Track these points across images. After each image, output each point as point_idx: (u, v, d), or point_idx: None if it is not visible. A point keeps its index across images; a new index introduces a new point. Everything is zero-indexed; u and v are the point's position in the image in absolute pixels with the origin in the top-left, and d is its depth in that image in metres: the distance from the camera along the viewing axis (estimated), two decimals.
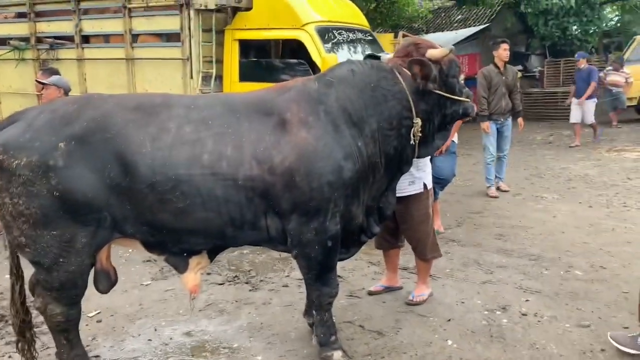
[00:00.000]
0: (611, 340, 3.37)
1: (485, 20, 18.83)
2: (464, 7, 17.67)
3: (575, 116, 10.93)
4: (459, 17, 20.34)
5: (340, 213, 3.06)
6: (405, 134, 3.22)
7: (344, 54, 6.28)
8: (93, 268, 3.07)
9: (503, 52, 7.22)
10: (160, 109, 2.92)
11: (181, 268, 3.13)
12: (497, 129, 7.46)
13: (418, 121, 3.20)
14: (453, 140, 5.62)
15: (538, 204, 6.95)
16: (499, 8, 18.48)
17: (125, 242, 3.09)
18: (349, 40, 6.60)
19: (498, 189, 7.55)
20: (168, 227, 2.90)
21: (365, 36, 7.04)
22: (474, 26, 18.68)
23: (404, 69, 3.27)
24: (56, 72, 5.96)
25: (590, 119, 10.84)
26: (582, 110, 10.77)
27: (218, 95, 5.33)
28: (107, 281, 3.17)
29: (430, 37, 17.30)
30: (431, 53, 3.27)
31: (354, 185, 3.06)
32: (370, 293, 4.33)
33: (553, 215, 6.41)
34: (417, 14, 20.19)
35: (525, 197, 7.32)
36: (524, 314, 3.90)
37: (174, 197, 2.80)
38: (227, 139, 2.88)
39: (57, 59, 7.15)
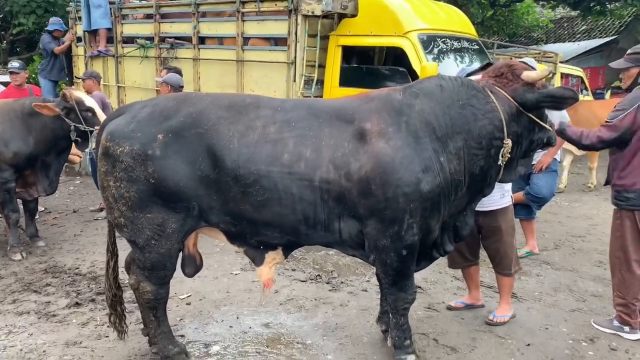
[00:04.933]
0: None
1: (613, 32, 17.60)
2: (589, 17, 16.56)
3: None
4: (583, 27, 19.15)
5: (419, 225, 3.05)
6: (494, 155, 3.14)
7: (449, 63, 6.19)
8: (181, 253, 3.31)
9: None
10: (250, 109, 3.09)
11: (258, 261, 3.30)
12: None
13: (509, 142, 3.12)
14: (555, 158, 5.36)
15: None
16: (629, 19, 17.18)
17: (211, 233, 3.30)
18: (454, 49, 6.47)
19: None
20: (247, 218, 3.06)
21: (472, 45, 6.87)
22: (599, 38, 17.53)
23: (498, 88, 3.19)
24: (176, 71, 6.47)
25: None
26: None
27: (305, 99, 5.46)
28: (193, 266, 3.44)
29: (550, 47, 16.49)
30: (528, 75, 3.15)
31: (433, 199, 3.02)
32: (450, 308, 4.26)
33: None
34: (537, 23, 19.30)
35: None
36: (613, 349, 3.66)
37: (254, 191, 2.96)
38: (308, 141, 2.99)
39: (176, 58, 7.69)
